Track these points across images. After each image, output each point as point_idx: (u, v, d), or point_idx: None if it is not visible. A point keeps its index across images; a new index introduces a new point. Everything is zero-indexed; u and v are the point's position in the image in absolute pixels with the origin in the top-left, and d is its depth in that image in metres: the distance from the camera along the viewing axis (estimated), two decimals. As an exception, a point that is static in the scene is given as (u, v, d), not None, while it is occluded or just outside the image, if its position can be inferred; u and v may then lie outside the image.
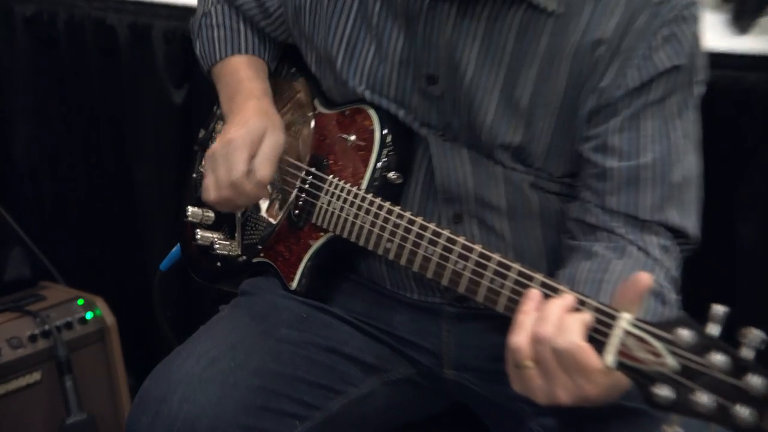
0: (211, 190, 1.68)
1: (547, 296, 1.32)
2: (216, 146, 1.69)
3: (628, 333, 1.21)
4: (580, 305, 1.28)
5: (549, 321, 1.27)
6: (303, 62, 1.80)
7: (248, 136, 1.67)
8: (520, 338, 1.29)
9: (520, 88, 1.54)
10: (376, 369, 1.71)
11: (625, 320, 1.22)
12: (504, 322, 1.39)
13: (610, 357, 1.22)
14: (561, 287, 1.32)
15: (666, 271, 1.51)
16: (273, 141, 1.69)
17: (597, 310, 1.25)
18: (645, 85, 1.50)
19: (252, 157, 1.66)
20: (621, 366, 1.22)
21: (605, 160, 1.53)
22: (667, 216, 1.53)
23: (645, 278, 1.25)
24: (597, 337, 1.24)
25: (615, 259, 1.50)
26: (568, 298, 1.29)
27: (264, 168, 1.67)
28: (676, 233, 1.56)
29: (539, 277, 1.34)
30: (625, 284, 1.27)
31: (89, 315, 2.64)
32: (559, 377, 1.26)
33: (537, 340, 1.27)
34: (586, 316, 1.26)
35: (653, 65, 1.49)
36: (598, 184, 1.54)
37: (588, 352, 1.24)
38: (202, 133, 2.00)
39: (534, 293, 1.32)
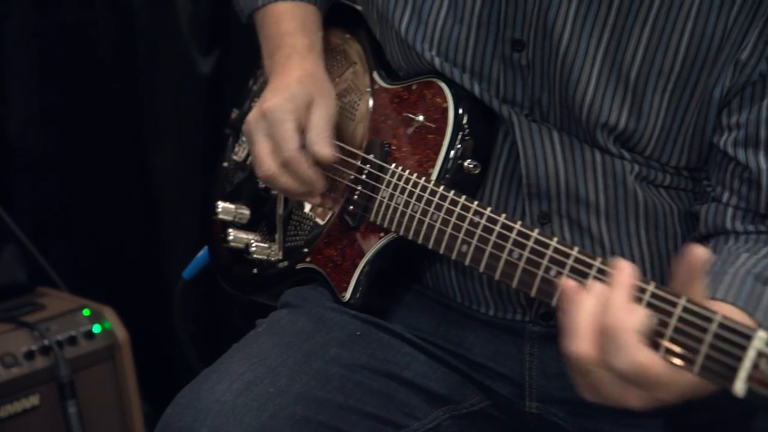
0: (256, 166, 1.72)
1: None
2: (252, 117, 1.73)
3: (762, 355, 1.21)
4: (705, 322, 1.28)
5: (608, 326, 1.29)
6: (361, 25, 1.83)
7: (290, 104, 1.71)
8: (581, 346, 1.32)
9: (629, 54, 1.55)
10: (444, 399, 1.74)
11: (759, 339, 1.22)
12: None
13: (740, 384, 1.22)
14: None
15: None
16: (324, 111, 1.72)
17: (724, 327, 1.25)
18: None
19: (299, 130, 1.70)
20: (752, 394, 1.22)
21: (756, 157, 1.53)
22: None
23: (698, 252, 1.27)
24: (725, 360, 1.24)
25: (746, 252, 1.50)
26: (620, 287, 1.31)
27: (322, 143, 1.70)
28: None
29: (651, 288, 1.34)
30: (680, 263, 1.29)
31: (97, 328, 2.69)
32: (631, 389, 1.30)
33: (601, 352, 1.30)
34: (638, 315, 1.28)
35: None
36: (749, 190, 1.54)
37: (654, 367, 1.27)
38: (234, 114, 2.04)
39: (569, 285, 1.35)
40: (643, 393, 1.30)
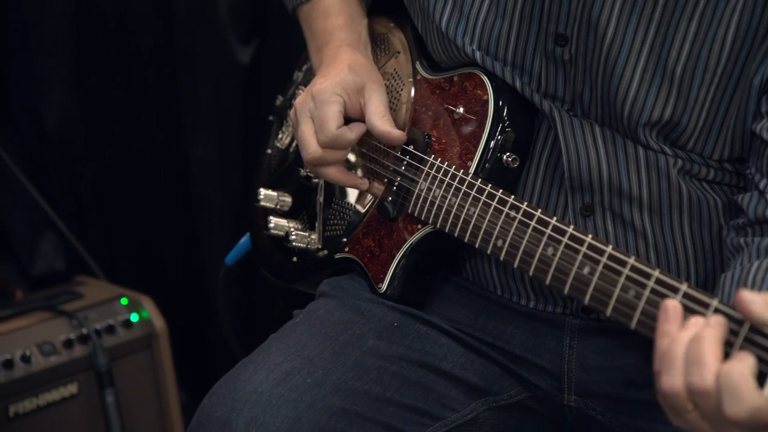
0: (301, 150, 1.73)
1: (690, 311, 1.31)
2: (300, 99, 1.74)
3: None
4: (735, 325, 1.27)
5: (706, 367, 1.24)
6: (405, 15, 1.83)
7: (338, 87, 1.72)
8: (675, 382, 1.27)
9: (675, 49, 1.54)
10: (482, 391, 1.74)
11: None
12: (642, 339, 1.39)
13: None
14: (712, 301, 1.31)
15: None
16: (379, 95, 1.73)
17: (755, 331, 1.24)
18: None
19: (342, 112, 1.70)
20: None
21: None
22: None
23: (748, 297, 1.24)
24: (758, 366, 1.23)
25: None
26: (720, 325, 1.27)
27: (388, 125, 1.70)
28: None
29: (684, 287, 1.34)
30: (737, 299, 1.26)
31: (134, 317, 2.70)
32: (730, 428, 1.25)
33: (696, 393, 1.25)
34: (750, 362, 1.23)
35: None
36: None
37: (763, 411, 1.22)
38: (279, 101, 2.05)
39: (672, 307, 1.31)
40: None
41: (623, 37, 1.55)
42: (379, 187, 1.77)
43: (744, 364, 1.23)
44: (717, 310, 1.30)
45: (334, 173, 1.76)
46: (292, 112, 1.77)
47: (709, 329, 1.27)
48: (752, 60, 1.52)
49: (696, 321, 1.29)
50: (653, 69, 1.55)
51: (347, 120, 1.74)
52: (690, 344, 1.27)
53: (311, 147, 1.72)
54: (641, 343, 1.63)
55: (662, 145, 1.60)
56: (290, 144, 1.98)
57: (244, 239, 2.09)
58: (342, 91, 1.72)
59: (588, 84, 1.60)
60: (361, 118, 1.74)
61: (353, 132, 1.73)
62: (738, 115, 1.57)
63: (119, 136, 3.02)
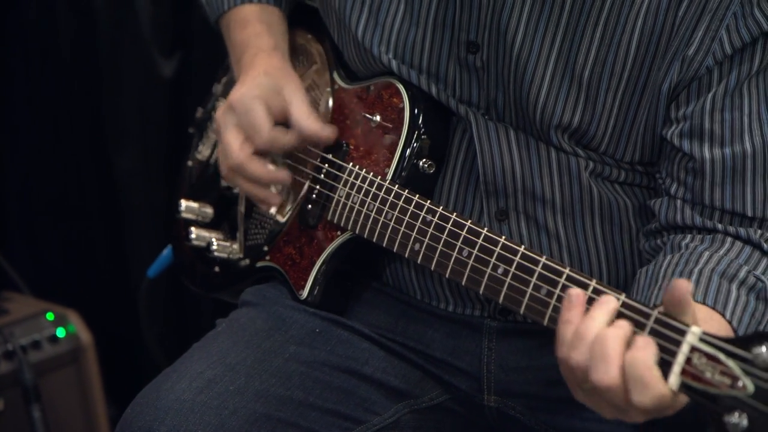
0: (221, 162, 1.74)
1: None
2: (220, 111, 1.74)
3: (695, 350, 1.25)
4: (641, 317, 1.31)
5: (611, 361, 1.28)
6: (322, 27, 1.85)
7: (256, 91, 1.72)
8: (580, 358, 1.32)
9: (582, 55, 1.58)
10: (403, 394, 1.76)
11: (693, 335, 1.26)
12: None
13: (673, 378, 1.26)
14: (611, 292, 1.35)
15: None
16: (300, 94, 1.74)
17: (660, 322, 1.29)
18: (744, 51, 1.53)
19: (270, 113, 1.71)
20: (686, 388, 1.26)
21: (700, 148, 1.56)
22: None
23: (681, 285, 1.28)
24: (660, 356, 1.28)
25: (707, 250, 1.53)
26: (608, 304, 1.32)
27: (311, 119, 1.71)
28: None
29: (593, 283, 1.38)
30: (667, 290, 1.31)
31: (61, 332, 2.69)
32: (630, 406, 1.30)
33: (603, 390, 1.30)
34: (653, 349, 1.28)
35: (754, 23, 1.52)
36: (694, 180, 1.58)
37: (667, 398, 1.27)
38: (199, 113, 2.06)
39: (575, 295, 1.35)
40: (652, 414, 1.31)
41: (531, 43, 1.59)
42: (296, 197, 1.78)
43: (647, 354, 1.27)
44: (624, 304, 1.34)
45: (251, 187, 1.76)
46: (215, 125, 1.77)
47: (613, 329, 1.31)
48: (659, 66, 1.56)
49: (604, 300, 1.34)
50: (561, 74, 1.59)
51: None
52: (594, 341, 1.31)
53: (234, 153, 1.72)
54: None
55: (575, 147, 1.63)
56: (210, 155, 1.99)
57: (166, 251, 2.09)
58: (260, 93, 1.72)
59: (501, 90, 1.64)
60: (282, 121, 1.75)
61: (288, 135, 1.73)
62: (647, 120, 1.60)
63: (43, 149, 3.01)
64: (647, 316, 1.31)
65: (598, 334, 1.30)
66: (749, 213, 1.56)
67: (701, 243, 1.56)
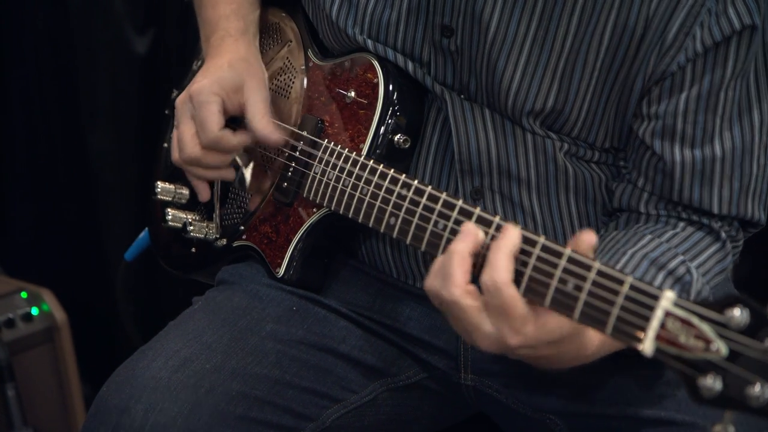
0: (175, 150, 1.75)
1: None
2: (180, 100, 1.75)
3: (669, 314, 1.26)
4: (615, 284, 1.32)
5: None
6: (297, 4, 1.84)
7: (216, 86, 1.73)
8: (432, 281, 1.41)
9: (557, 43, 1.58)
10: (380, 372, 1.77)
11: (667, 299, 1.27)
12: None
13: (648, 343, 1.27)
14: (566, 251, 1.36)
15: (720, 258, 1.58)
16: (258, 94, 1.74)
17: (634, 288, 1.30)
18: (717, 50, 1.53)
19: (222, 111, 1.72)
20: (660, 353, 1.26)
21: (671, 148, 1.57)
22: (744, 209, 1.59)
23: (590, 237, 1.34)
24: (634, 321, 1.29)
25: (650, 234, 1.56)
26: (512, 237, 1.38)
27: (268, 127, 1.71)
28: (748, 224, 1.62)
29: (568, 252, 1.37)
30: (572, 243, 1.35)
31: (35, 311, 2.68)
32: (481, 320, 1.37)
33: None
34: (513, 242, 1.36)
35: (726, 22, 1.52)
36: (663, 180, 1.59)
37: (519, 302, 1.34)
38: (174, 94, 2.04)
39: (468, 228, 1.41)
40: (494, 333, 1.36)
41: (506, 29, 1.59)
42: (271, 175, 1.78)
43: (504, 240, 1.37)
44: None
45: (207, 177, 1.78)
46: (175, 111, 1.78)
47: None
48: (633, 58, 1.56)
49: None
50: (535, 62, 1.59)
51: (228, 119, 1.75)
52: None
53: (188, 147, 1.73)
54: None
55: (547, 131, 1.64)
56: None
57: (143, 234, 2.08)
58: (220, 89, 1.73)
59: (474, 74, 1.64)
60: (241, 116, 1.76)
61: (236, 138, 1.74)
62: (618, 111, 1.61)
63: (15, 127, 2.99)
64: (621, 282, 1.32)
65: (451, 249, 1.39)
66: (715, 211, 1.58)
67: (650, 227, 1.58)
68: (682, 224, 1.59)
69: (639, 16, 1.54)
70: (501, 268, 1.35)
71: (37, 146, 3.00)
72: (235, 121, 1.77)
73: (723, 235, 1.59)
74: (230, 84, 1.74)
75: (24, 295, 2.68)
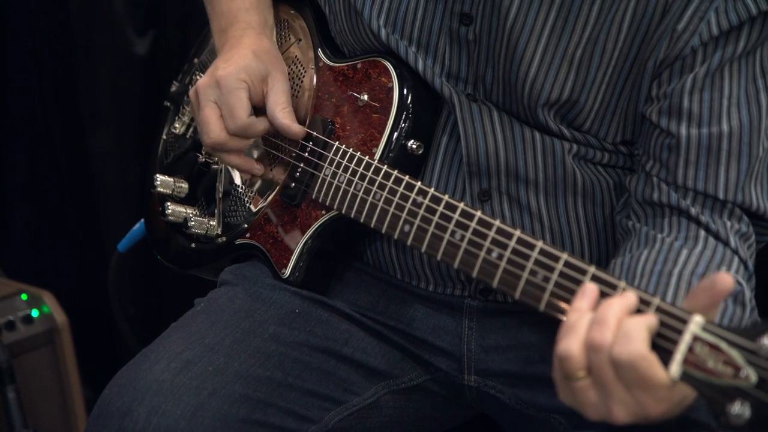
0: (202, 133, 1.73)
1: (603, 294, 1.33)
2: (203, 83, 1.73)
3: (698, 339, 1.24)
4: (643, 305, 1.30)
5: (607, 325, 1.27)
6: (306, 1, 1.83)
7: (244, 74, 1.72)
8: (572, 344, 1.29)
9: (576, 32, 1.57)
10: (383, 374, 1.76)
11: (695, 324, 1.25)
12: (539, 319, 1.42)
13: (675, 367, 1.25)
14: (620, 283, 1.33)
15: (743, 264, 1.55)
16: (282, 86, 1.74)
17: (661, 310, 1.28)
18: (730, 34, 1.53)
19: (251, 100, 1.71)
20: (687, 377, 1.24)
21: (678, 126, 1.56)
22: (750, 196, 1.58)
23: (726, 280, 1.26)
24: (661, 344, 1.27)
25: (684, 248, 1.53)
26: (629, 297, 1.30)
27: (289, 118, 1.71)
28: (756, 217, 1.60)
29: (592, 269, 1.35)
30: (702, 285, 1.28)
31: (35, 313, 2.67)
32: (617, 391, 1.27)
33: (592, 348, 1.27)
34: (651, 319, 1.27)
35: (743, 7, 1.52)
36: (669, 156, 1.58)
37: (653, 363, 1.25)
38: (174, 87, 2.04)
39: (590, 288, 1.33)
40: (632, 402, 1.27)
41: (525, 18, 1.58)
42: (278, 174, 1.77)
43: (644, 318, 1.26)
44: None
45: (234, 159, 1.76)
46: (192, 94, 1.76)
47: (618, 298, 1.30)
48: (648, 42, 1.56)
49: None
50: (553, 51, 1.58)
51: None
52: (597, 309, 1.29)
53: (214, 132, 1.72)
54: (539, 322, 1.68)
55: (560, 125, 1.63)
56: (187, 130, 1.97)
57: (138, 226, 2.07)
58: (247, 77, 1.72)
59: (491, 64, 1.63)
60: (263, 106, 1.75)
61: (262, 124, 1.73)
62: (632, 98, 1.61)
63: (16, 128, 2.99)
64: (647, 303, 1.29)
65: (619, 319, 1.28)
66: (721, 196, 1.56)
67: (677, 239, 1.56)
68: (702, 236, 1.55)
69: (658, 2, 1.54)
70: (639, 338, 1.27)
71: (37, 148, 3.00)
72: (254, 110, 1.76)
73: (733, 243, 1.57)
74: (256, 73, 1.73)
75: (24, 297, 2.68)
